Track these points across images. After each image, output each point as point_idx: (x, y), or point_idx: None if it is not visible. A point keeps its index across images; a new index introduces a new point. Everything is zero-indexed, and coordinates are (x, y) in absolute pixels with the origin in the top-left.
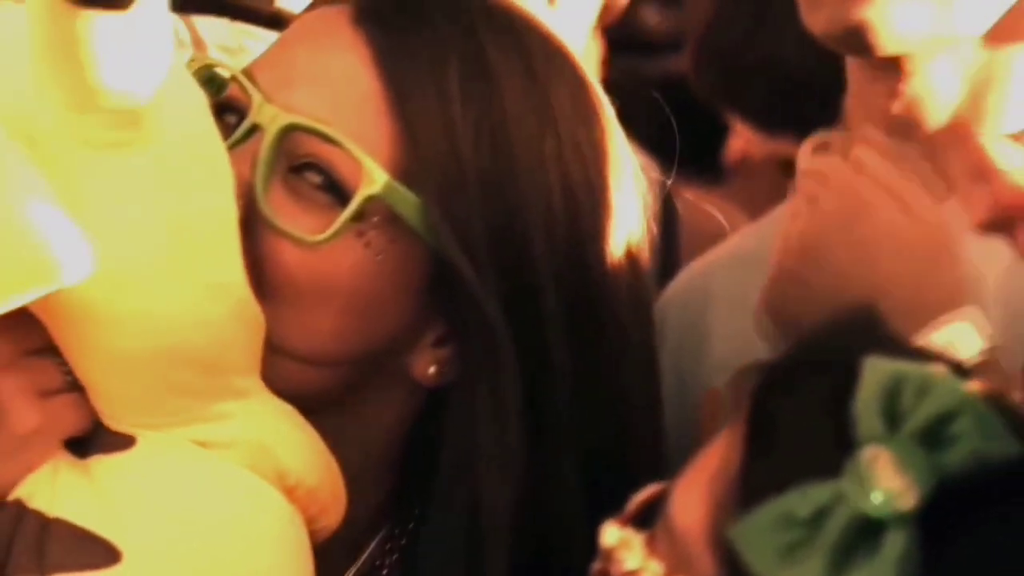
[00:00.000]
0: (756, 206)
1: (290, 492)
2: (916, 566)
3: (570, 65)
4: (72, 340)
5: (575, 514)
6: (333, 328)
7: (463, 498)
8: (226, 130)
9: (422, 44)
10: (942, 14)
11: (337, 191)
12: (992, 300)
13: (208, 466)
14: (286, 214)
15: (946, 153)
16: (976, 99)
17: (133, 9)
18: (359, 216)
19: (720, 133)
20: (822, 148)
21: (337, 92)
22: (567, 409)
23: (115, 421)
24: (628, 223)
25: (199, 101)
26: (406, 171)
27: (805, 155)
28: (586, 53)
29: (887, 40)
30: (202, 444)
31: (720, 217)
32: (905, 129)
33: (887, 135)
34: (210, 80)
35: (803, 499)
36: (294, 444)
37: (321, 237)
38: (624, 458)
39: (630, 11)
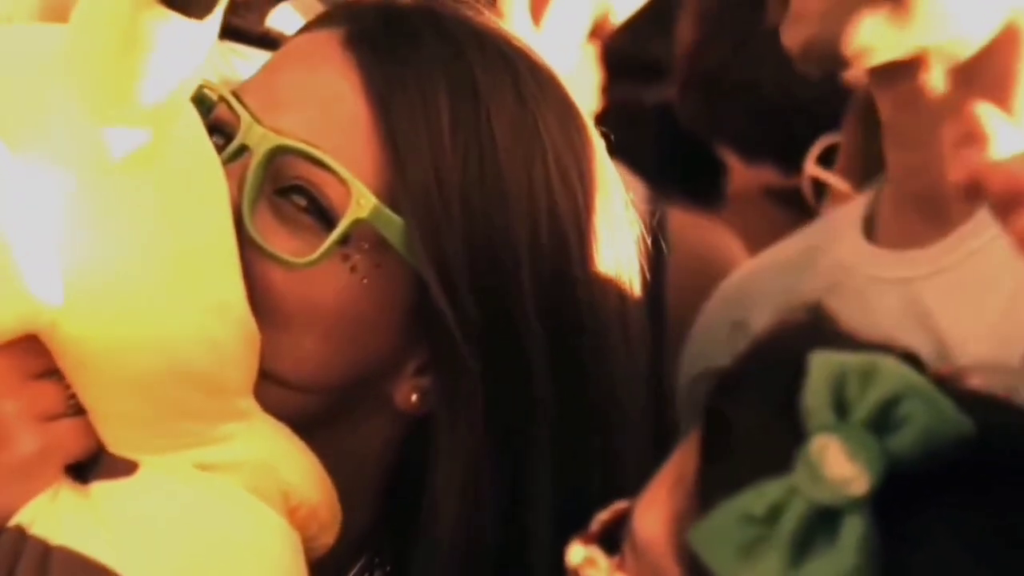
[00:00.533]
0: (747, 233)
1: (293, 512)
2: (875, 550)
3: (559, 92)
4: (76, 363)
5: (548, 543)
6: (317, 353)
7: (442, 527)
8: (216, 151)
9: (412, 68)
10: (900, 24)
11: (323, 214)
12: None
13: (210, 492)
14: (272, 236)
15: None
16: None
17: (206, 22)
18: (345, 240)
19: (720, 160)
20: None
21: (326, 115)
22: (547, 439)
23: (118, 445)
24: (617, 251)
25: (195, 120)
26: (392, 195)
27: (811, 160)
28: (586, 80)
29: (847, 54)
30: (207, 466)
31: (716, 238)
32: (906, 137)
33: (891, 144)
34: (199, 100)
35: (758, 497)
36: (296, 463)
37: (307, 260)
38: (606, 484)
39: (630, 38)
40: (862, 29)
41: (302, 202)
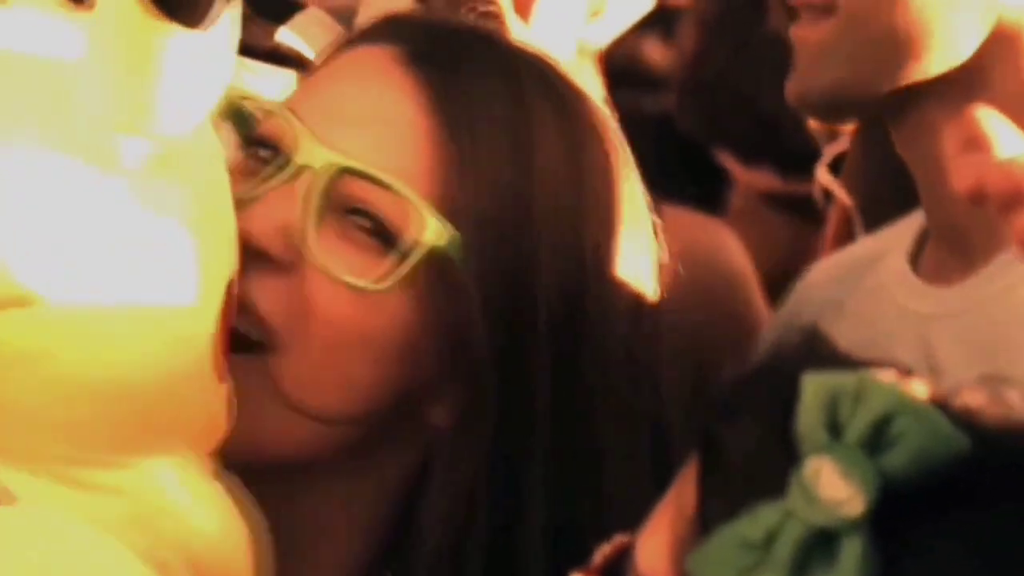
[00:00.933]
0: (747, 241)
1: (192, 565)
2: (875, 570)
3: (602, 123)
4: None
5: (542, 568)
6: (367, 378)
7: (433, 541)
8: (259, 165)
9: (472, 90)
10: (878, 69)
11: (385, 236)
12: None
13: (84, 538)
14: (335, 258)
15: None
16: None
17: (207, 31)
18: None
19: (720, 169)
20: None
21: (390, 136)
22: (542, 464)
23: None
24: (635, 283)
25: (213, 144)
26: (451, 216)
27: (822, 168)
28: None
29: (833, 103)
30: (93, 486)
31: (713, 238)
32: (922, 170)
33: (915, 176)
34: (236, 113)
35: (754, 522)
36: (203, 516)
37: (379, 285)
38: (600, 515)
39: (631, 46)
40: (845, 78)
41: (364, 223)
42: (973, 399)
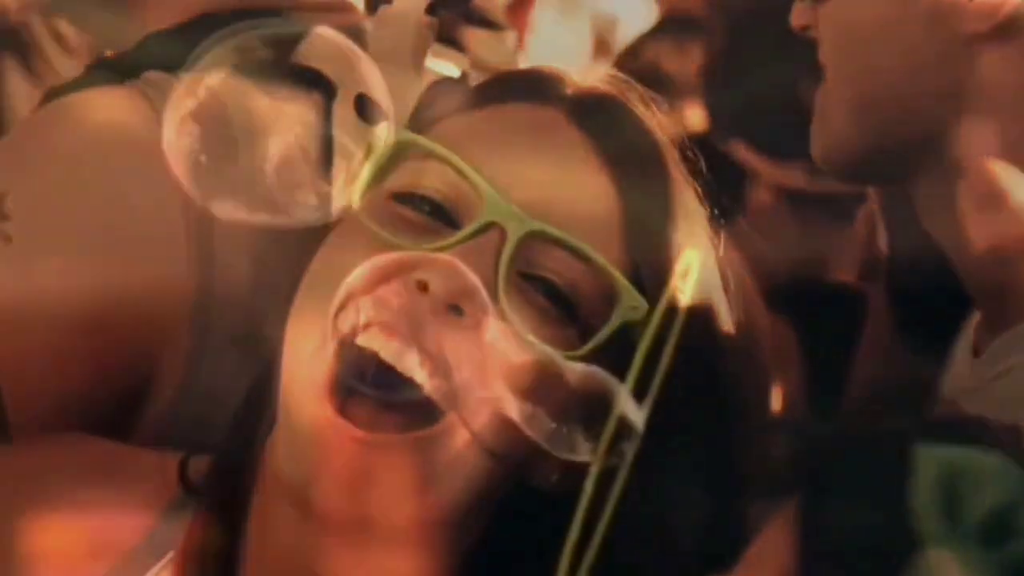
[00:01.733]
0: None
1: None
2: None
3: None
4: None
5: None
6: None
7: None
8: (412, 212)
9: (641, 161)
10: (862, 128)
11: (565, 302)
12: None
13: None
14: (523, 323)
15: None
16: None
17: None
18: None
19: (740, 178)
20: None
21: (578, 204)
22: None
23: None
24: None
25: None
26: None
27: None
28: None
29: (831, 166)
30: None
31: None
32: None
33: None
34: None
35: None
36: None
37: (571, 354)
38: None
39: (646, 56)
40: (833, 139)
41: (542, 287)
42: None
